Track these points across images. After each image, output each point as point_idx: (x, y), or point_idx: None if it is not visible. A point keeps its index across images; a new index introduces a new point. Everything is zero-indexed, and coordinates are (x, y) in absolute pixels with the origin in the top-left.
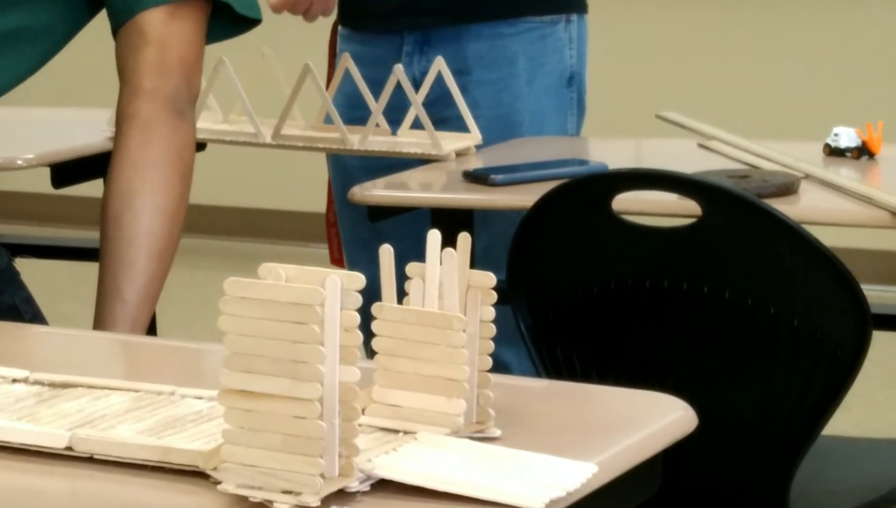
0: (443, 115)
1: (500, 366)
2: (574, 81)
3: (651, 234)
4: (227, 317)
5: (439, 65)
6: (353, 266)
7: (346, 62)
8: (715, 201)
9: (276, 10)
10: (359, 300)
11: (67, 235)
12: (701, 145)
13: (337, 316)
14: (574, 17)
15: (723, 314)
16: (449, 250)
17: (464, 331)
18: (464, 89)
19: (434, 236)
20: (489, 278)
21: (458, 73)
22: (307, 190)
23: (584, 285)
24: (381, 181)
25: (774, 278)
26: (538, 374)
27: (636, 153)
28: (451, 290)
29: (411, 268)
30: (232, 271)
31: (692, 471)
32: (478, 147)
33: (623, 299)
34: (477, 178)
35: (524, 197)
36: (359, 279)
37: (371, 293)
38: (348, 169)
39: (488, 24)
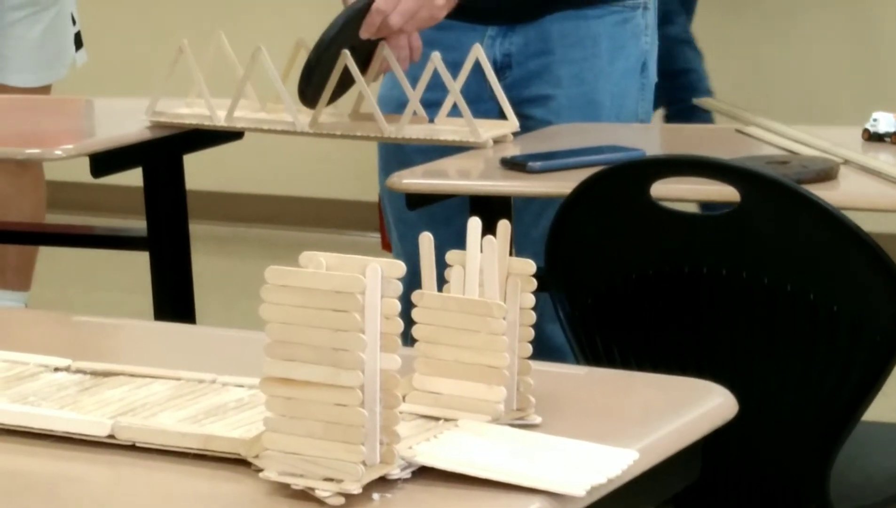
0: (522, 95)
1: (552, 348)
2: (646, 69)
3: (690, 221)
4: (269, 305)
5: (476, 52)
6: (401, 247)
7: (383, 50)
8: (754, 186)
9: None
10: (399, 288)
11: (106, 223)
12: (739, 131)
13: (377, 304)
14: (650, 4)
15: (762, 300)
16: (489, 237)
17: (504, 319)
18: (547, 70)
19: (474, 224)
20: (529, 266)
21: (542, 53)
22: (347, 178)
23: (623, 271)
24: (418, 169)
25: (814, 263)
26: (577, 361)
27: (674, 140)
28: (492, 277)
29: (451, 256)
30: (271, 259)
31: (732, 457)
32: (557, 124)
33: (661, 286)
34: (514, 165)
35: (562, 184)
36: (399, 267)
37: (416, 276)
38: (392, 153)
39: (573, 10)
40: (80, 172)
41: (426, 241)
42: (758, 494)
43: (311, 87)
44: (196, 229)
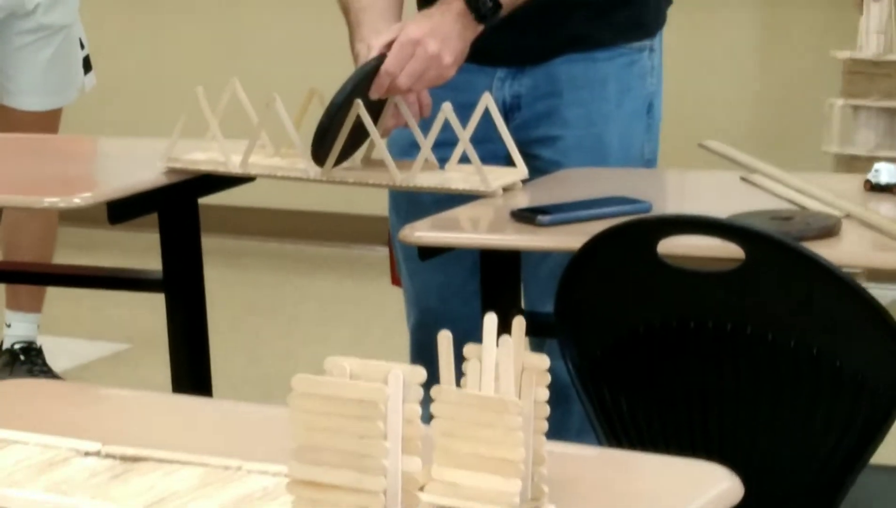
0: (531, 136)
1: (558, 386)
2: (652, 109)
3: (696, 276)
4: (295, 411)
5: (486, 101)
6: (411, 284)
7: (397, 101)
8: (758, 245)
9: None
10: (420, 394)
11: (117, 237)
12: (743, 179)
13: (399, 410)
14: (656, 45)
15: (766, 355)
16: (505, 338)
17: (519, 415)
18: (555, 111)
19: (490, 320)
20: (543, 361)
21: (550, 95)
22: (355, 192)
23: (630, 324)
24: (428, 221)
25: (817, 320)
26: (583, 406)
27: (679, 187)
28: (507, 373)
29: (469, 349)
30: (280, 273)
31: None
32: (566, 168)
33: (668, 340)
34: (524, 218)
35: (570, 239)
36: (420, 373)
37: (427, 313)
38: (402, 192)
39: (581, 53)
40: None
41: (444, 339)
42: None
43: (324, 148)
44: (207, 242)
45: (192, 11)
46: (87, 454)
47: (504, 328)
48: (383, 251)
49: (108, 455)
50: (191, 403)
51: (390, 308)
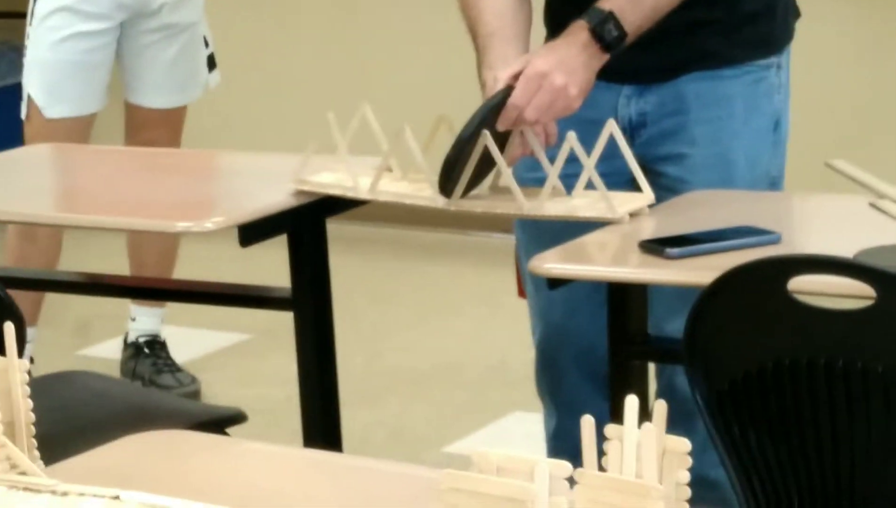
0: (657, 154)
1: (681, 398)
2: (779, 127)
3: (826, 315)
4: (446, 506)
5: (610, 127)
6: (536, 298)
7: (524, 130)
8: (888, 286)
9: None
10: (566, 488)
11: None
12: (872, 205)
13: (545, 503)
14: (783, 61)
15: None
16: (647, 425)
17: (661, 499)
18: (682, 129)
19: (632, 403)
20: (684, 444)
21: (677, 112)
22: None
23: (759, 360)
24: (556, 252)
25: None
26: (709, 432)
27: (807, 214)
28: (649, 458)
29: (610, 430)
30: (400, 260)
31: None
32: (692, 186)
33: (797, 377)
34: (652, 249)
35: (699, 274)
36: (565, 468)
37: (560, 330)
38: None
39: (708, 70)
40: None
41: (587, 423)
42: None
43: (451, 180)
44: (329, 228)
45: (321, 24)
46: None
47: (631, 352)
48: (500, 238)
49: None
50: (327, 460)
51: (509, 295)
